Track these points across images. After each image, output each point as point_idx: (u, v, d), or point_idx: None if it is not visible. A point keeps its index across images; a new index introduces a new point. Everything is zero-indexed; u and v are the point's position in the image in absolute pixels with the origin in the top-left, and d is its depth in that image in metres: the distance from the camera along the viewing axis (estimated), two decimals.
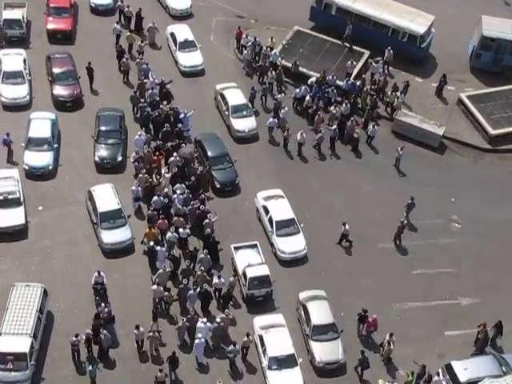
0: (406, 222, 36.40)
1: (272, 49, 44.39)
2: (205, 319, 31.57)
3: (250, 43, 44.42)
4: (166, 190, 35.94)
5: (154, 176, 36.80)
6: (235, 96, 40.54)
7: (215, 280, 33.09)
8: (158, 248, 33.55)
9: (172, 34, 44.06)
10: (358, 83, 42.62)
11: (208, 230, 34.36)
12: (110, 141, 38.07)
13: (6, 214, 34.60)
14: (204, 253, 33.53)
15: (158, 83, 40.78)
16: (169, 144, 37.74)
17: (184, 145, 38.07)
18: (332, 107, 41.51)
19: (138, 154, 37.49)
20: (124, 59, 42.30)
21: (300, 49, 45.04)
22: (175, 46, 43.47)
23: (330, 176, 39.42)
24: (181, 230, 34.41)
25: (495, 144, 41.84)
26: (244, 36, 44.77)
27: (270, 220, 35.54)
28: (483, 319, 32.70)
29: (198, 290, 32.52)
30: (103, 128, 38.26)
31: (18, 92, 40.02)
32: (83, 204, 36.35)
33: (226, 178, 37.43)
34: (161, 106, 39.38)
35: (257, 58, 44.35)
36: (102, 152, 37.80)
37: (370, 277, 34.89)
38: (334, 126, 40.29)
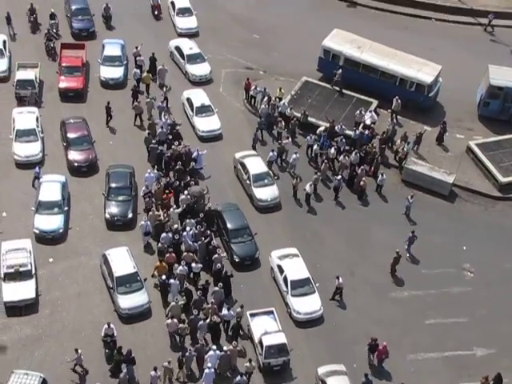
0: (400, 252, 36.33)
1: (281, 99, 44.62)
2: (214, 347, 31.69)
3: (259, 93, 44.75)
4: (176, 226, 36.12)
5: (162, 213, 37.02)
6: (256, 164, 39.74)
7: (224, 312, 33.22)
8: (172, 281, 33.85)
9: (188, 99, 43.71)
10: (366, 132, 42.61)
11: (218, 265, 34.61)
12: (121, 197, 37.85)
13: (16, 288, 33.55)
14: (218, 286, 33.69)
15: (170, 124, 41.54)
16: (177, 182, 38.17)
17: (194, 183, 38.47)
18: (341, 156, 41.46)
19: (148, 189, 37.89)
20: (136, 102, 43.03)
21: (308, 99, 45.23)
22: (192, 111, 43.33)
23: (340, 225, 39.17)
24: (193, 264, 34.73)
25: (506, 192, 41.57)
26: (253, 87, 45.02)
27: (285, 279, 34.93)
28: (499, 370, 31.99)
29: (208, 320, 32.55)
30: (113, 185, 38.11)
31: (30, 150, 40.06)
32: (94, 255, 36.14)
33: (246, 251, 36.28)
34: (173, 147, 39.95)
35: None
36: (113, 209, 37.52)
37: (382, 327, 34.32)
38: (339, 176, 40.22)
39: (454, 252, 38.27)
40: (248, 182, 39.37)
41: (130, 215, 37.55)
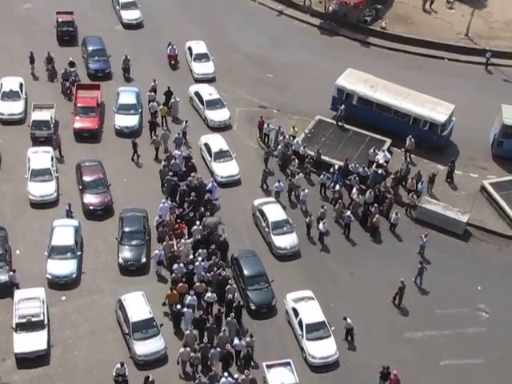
0: (406, 282, 36.37)
1: (294, 137, 44.76)
2: (226, 374, 31.70)
3: (272, 131, 44.95)
4: (190, 256, 36.43)
5: (175, 243, 37.23)
6: (275, 212, 39.32)
7: (236, 341, 33.17)
8: (185, 310, 33.99)
9: (206, 145, 43.76)
10: (379, 171, 42.57)
11: (230, 296, 34.75)
12: (134, 242, 37.60)
13: (28, 338, 32.98)
14: (231, 316, 33.81)
15: (185, 156, 41.88)
16: (191, 214, 38.50)
17: (210, 214, 38.57)
18: (355, 195, 41.41)
19: (161, 218, 38.10)
20: (154, 136, 43.48)
21: (322, 137, 45.34)
22: (210, 156, 42.95)
23: (354, 263, 38.93)
24: (208, 294, 34.91)
25: None
26: (266, 125, 45.23)
27: (300, 323, 34.54)
28: None
29: (219, 349, 32.64)
30: (127, 229, 37.88)
31: (45, 189, 40.21)
32: (107, 293, 36.09)
33: (262, 299, 35.74)
34: (189, 178, 40.40)
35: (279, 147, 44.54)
36: (126, 253, 37.24)
37: (397, 368, 33.73)
38: (348, 212, 40.12)
39: (468, 292, 37.87)
40: (267, 229, 38.88)
41: (144, 260, 37.22)
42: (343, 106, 45.92)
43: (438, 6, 58.24)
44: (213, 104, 46.23)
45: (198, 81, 48.90)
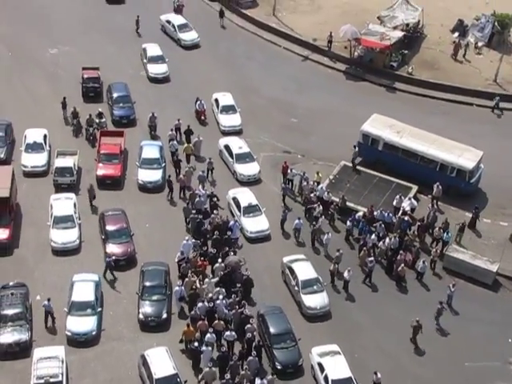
0: (420, 321, 36.04)
1: (319, 183, 44.53)
2: None
3: (296, 176, 44.83)
4: (210, 295, 36.56)
5: (197, 281, 37.46)
6: (305, 270, 38.41)
7: (257, 381, 33.07)
8: (204, 348, 34.05)
9: (235, 199, 42.91)
10: (406, 218, 42.06)
11: (249, 335, 34.61)
12: (155, 297, 37.08)
13: None
14: (253, 355, 33.88)
15: (208, 194, 42.33)
16: (213, 251, 38.89)
17: (233, 253, 38.67)
18: (380, 242, 40.89)
19: (182, 255, 38.38)
20: (181, 175, 44.06)
21: (347, 183, 45.09)
22: (239, 211, 42.23)
23: (379, 313, 38.26)
24: (227, 332, 35.02)
25: None
26: (290, 171, 45.07)
27: (326, 379, 33.74)
28: None
29: None
30: (147, 283, 37.40)
31: (67, 236, 40.01)
32: (127, 340, 35.76)
33: (288, 358, 34.82)
34: (212, 216, 40.79)
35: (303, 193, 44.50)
36: (147, 309, 36.66)
37: None
38: (371, 258, 39.62)
39: (498, 344, 36.90)
40: (296, 288, 38.07)
41: (165, 315, 36.65)
42: (356, 149, 45.82)
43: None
44: (242, 158, 45.76)
45: (225, 133, 48.22)
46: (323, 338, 36.24)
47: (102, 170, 44.54)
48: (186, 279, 37.36)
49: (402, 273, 39.71)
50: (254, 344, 34.67)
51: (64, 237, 40.03)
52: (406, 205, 42.85)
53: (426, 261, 40.17)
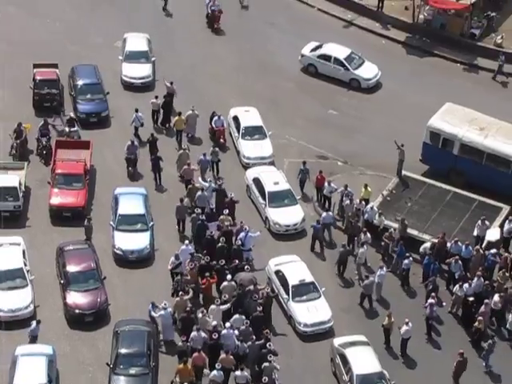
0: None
1: (367, 201, 44.57)
2: None
3: (335, 193, 45.05)
4: (215, 322, 37.41)
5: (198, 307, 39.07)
6: (364, 360, 37.43)
7: None
8: None
9: (279, 273, 41.54)
10: (492, 252, 41.91)
11: (265, 379, 35.40)
12: (133, 370, 37.12)
13: None
14: None
15: (215, 188, 43.99)
16: (220, 263, 40.11)
17: (246, 268, 40.00)
18: (456, 286, 40.80)
19: (177, 259, 39.98)
20: (185, 166, 45.18)
21: (408, 202, 45.09)
22: (286, 292, 40.63)
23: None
24: (238, 372, 35.96)
25: None
26: (326, 184, 45.15)
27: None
28: None
29: None
30: (123, 351, 37.40)
31: (17, 301, 39.56)
32: None
33: None
34: (221, 217, 42.12)
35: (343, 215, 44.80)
36: None
37: None
38: (431, 300, 39.65)
39: None
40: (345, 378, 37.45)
41: None
42: (403, 148, 46.11)
43: None
44: (279, 199, 45.08)
45: (247, 167, 47.38)
46: None
47: (58, 198, 44.31)
48: (177, 298, 38.50)
49: (482, 327, 39.47)
50: None
51: (13, 302, 39.61)
52: (489, 233, 42.73)
53: None
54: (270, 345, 36.86)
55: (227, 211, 42.69)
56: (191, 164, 45.08)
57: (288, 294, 40.56)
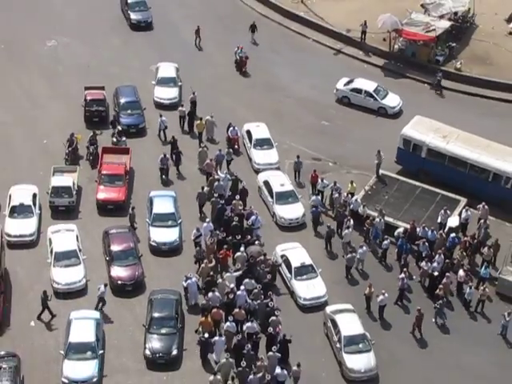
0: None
1: (353, 195, 44.64)
2: None
3: (326, 188, 45.03)
4: (232, 285, 38.24)
5: (218, 273, 39.89)
6: (350, 324, 37.47)
7: (277, 371, 35.06)
8: (217, 338, 36.08)
9: (283, 257, 41.25)
10: (452, 235, 41.96)
11: (270, 329, 36.22)
12: (164, 330, 37.10)
13: None
14: (273, 350, 35.54)
15: (230, 179, 44.46)
16: (236, 238, 40.86)
17: (256, 242, 40.77)
18: (423, 262, 40.92)
19: (198, 232, 40.95)
20: (208, 160, 45.83)
21: (385, 195, 45.12)
22: (289, 272, 40.35)
23: (422, 344, 38.29)
24: (248, 323, 36.78)
25: None
26: (320, 180, 45.24)
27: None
28: None
29: (259, 376, 34.56)
30: (156, 315, 37.39)
31: (72, 276, 39.73)
32: (132, 373, 36.15)
33: None
34: (234, 202, 42.68)
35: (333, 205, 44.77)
36: (155, 344, 36.65)
37: None
38: (403, 275, 39.81)
39: None
40: (338, 345, 37.25)
41: (175, 352, 36.61)
42: (382, 154, 46.09)
43: None
44: (284, 197, 44.58)
45: (258, 172, 46.89)
46: None
47: (103, 194, 44.22)
48: (203, 265, 39.31)
49: (440, 292, 39.50)
50: (278, 339, 36.16)
51: (68, 277, 39.64)
52: (451, 221, 42.81)
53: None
54: (271, 303, 37.51)
55: (239, 197, 43.27)
56: (210, 159, 45.76)
57: (291, 274, 40.48)
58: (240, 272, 39.07)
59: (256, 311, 37.48)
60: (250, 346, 35.49)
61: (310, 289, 40.09)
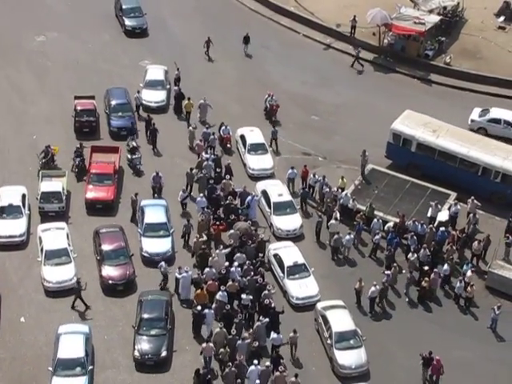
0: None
1: (343, 189, 44.55)
2: (256, 361, 34.74)
3: (317, 182, 44.90)
4: (226, 263, 39.23)
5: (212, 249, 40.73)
6: (341, 320, 37.36)
7: (273, 335, 36.17)
8: (207, 311, 36.99)
9: (276, 256, 40.96)
10: (442, 229, 41.90)
11: (266, 301, 37.36)
12: (154, 331, 36.89)
13: None
14: (261, 321, 36.80)
15: (214, 158, 45.53)
16: (230, 217, 41.85)
17: (244, 220, 41.74)
18: (410, 254, 40.97)
19: (185, 193, 42.98)
20: (198, 140, 46.86)
21: (375, 190, 45.08)
22: (282, 271, 40.00)
23: (411, 338, 38.26)
24: (244, 295, 37.89)
25: None
26: (311, 176, 45.10)
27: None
28: None
29: (247, 342, 35.81)
30: (146, 316, 37.16)
31: (63, 274, 39.35)
32: (122, 369, 36.13)
33: None
34: (224, 181, 43.63)
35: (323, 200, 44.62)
36: (144, 345, 36.44)
37: None
38: (388, 272, 39.86)
39: None
40: (329, 341, 37.12)
41: (164, 353, 36.36)
42: (367, 153, 46.00)
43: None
44: (282, 208, 43.50)
45: (253, 178, 46.12)
46: None
47: (92, 193, 43.74)
48: (194, 239, 40.49)
49: (426, 284, 39.59)
50: (270, 311, 37.05)
51: (59, 275, 39.36)
52: (440, 215, 42.79)
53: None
54: (261, 279, 38.52)
55: (228, 176, 44.16)
56: (200, 140, 46.79)
57: (284, 273, 40.10)
58: (228, 249, 39.95)
59: (246, 287, 38.31)
60: (242, 315, 36.87)
61: (302, 288, 39.77)
